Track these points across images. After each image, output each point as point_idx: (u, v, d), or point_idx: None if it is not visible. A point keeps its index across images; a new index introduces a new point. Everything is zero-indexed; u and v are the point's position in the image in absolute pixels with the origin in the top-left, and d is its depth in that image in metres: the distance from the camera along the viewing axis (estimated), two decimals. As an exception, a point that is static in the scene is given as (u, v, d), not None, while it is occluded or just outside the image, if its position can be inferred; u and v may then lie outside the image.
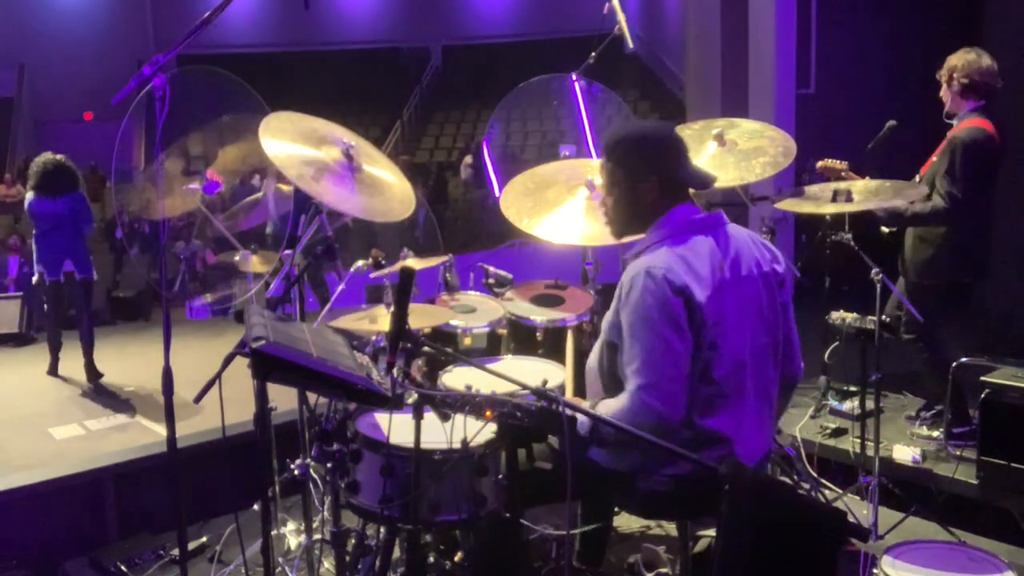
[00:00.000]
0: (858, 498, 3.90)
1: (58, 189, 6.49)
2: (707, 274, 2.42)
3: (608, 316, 2.53)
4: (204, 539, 4.02)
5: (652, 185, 2.50)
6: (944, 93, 4.15)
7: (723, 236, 2.51)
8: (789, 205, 3.67)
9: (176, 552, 3.74)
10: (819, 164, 4.21)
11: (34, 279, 6.60)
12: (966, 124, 4.05)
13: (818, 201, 3.61)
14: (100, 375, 6.63)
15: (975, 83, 4.03)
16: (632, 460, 2.54)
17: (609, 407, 2.45)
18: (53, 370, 6.73)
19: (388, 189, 3.27)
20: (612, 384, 2.54)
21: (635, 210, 2.55)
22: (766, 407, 2.59)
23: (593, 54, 4.17)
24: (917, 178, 4.16)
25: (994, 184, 4.17)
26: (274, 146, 2.99)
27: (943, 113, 4.19)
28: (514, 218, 3.44)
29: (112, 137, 3.65)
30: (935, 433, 4.31)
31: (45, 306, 6.86)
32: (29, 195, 6.60)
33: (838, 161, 4.16)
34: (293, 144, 3.06)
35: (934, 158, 4.14)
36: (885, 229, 4.26)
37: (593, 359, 2.66)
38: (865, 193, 3.62)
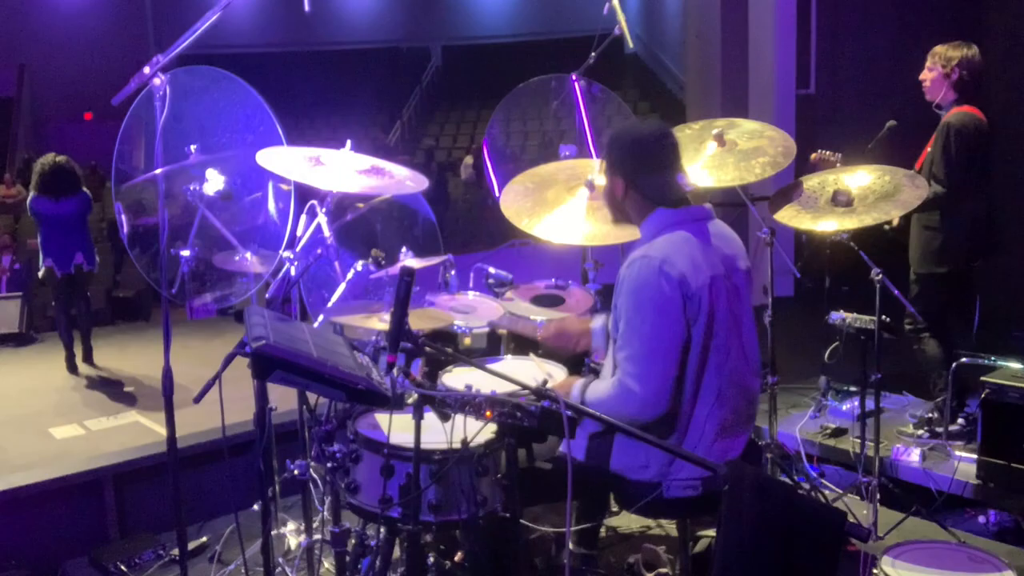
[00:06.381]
0: (858, 498, 3.90)
1: (63, 191, 6.58)
2: (702, 265, 2.48)
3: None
4: (204, 539, 4.03)
5: (619, 183, 2.61)
6: (932, 78, 4.17)
7: (707, 231, 2.58)
8: (786, 216, 3.61)
9: (176, 552, 3.75)
10: (813, 156, 4.22)
11: (40, 273, 6.67)
12: (957, 110, 4.12)
13: (817, 209, 3.57)
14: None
15: (971, 82, 4.10)
16: (656, 470, 2.55)
17: (596, 392, 2.52)
18: (72, 366, 6.71)
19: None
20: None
21: (613, 201, 2.68)
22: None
23: (593, 54, 4.17)
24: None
25: (989, 169, 4.19)
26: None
27: (933, 105, 4.23)
28: (514, 218, 3.44)
29: (112, 137, 3.65)
30: (919, 432, 4.32)
31: (53, 302, 6.93)
32: (32, 194, 6.65)
33: (831, 153, 4.17)
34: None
35: (928, 148, 4.17)
36: (887, 226, 4.25)
37: (600, 320, 2.76)
38: (866, 194, 3.59)
